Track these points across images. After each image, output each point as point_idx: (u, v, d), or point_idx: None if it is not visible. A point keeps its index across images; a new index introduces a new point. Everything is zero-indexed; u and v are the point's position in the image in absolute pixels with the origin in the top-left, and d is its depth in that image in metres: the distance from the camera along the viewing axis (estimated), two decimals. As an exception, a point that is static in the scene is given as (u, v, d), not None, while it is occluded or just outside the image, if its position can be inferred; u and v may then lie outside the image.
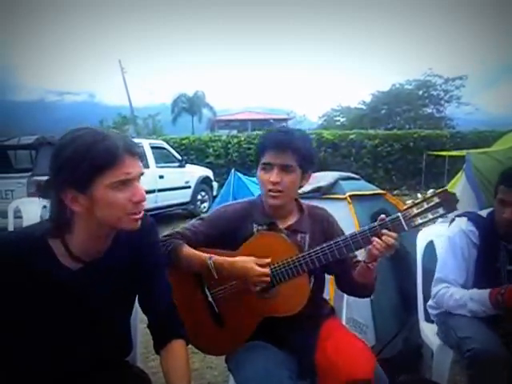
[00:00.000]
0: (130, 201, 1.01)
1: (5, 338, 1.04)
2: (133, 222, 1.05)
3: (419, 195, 1.35)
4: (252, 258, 1.36)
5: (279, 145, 1.41)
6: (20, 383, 1.07)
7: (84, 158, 0.95)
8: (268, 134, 1.50)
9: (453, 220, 1.84)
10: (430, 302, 1.89)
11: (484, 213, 1.81)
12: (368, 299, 2.27)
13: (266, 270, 1.35)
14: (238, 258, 1.37)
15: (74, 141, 0.97)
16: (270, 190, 1.42)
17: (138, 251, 1.17)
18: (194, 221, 1.56)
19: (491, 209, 1.80)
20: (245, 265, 1.35)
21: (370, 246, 1.33)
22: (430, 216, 1.31)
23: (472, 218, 1.78)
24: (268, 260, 1.37)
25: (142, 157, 1.06)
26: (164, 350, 1.19)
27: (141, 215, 1.06)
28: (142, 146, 7.35)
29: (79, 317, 1.08)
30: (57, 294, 1.05)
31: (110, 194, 0.98)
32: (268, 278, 1.35)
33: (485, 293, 1.60)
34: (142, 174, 1.04)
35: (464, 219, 1.79)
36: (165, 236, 1.43)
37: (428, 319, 1.95)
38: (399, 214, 1.32)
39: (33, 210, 4.71)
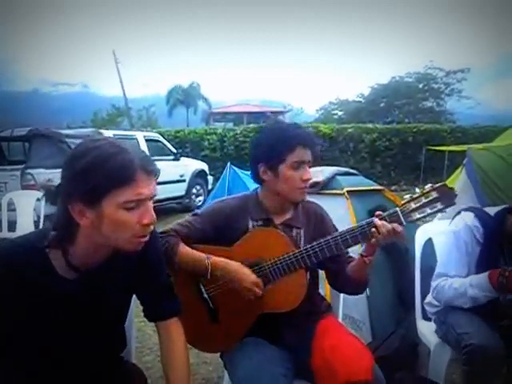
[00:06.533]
0: (139, 223, 0.97)
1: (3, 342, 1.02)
2: (137, 245, 1.01)
3: (417, 190, 1.33)
4: (247, 270, 1.36)
5: (310, 142, 1.42)
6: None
7: (98, 172, 0.90)
8: (293, 131, 1.41)
9: (458, 213, 1.80)
10: (427, 300, 1.87)
11: (491, 211, 1.75)
12: (364, 296, 2.26)
13: (259, 280, 1.35)
14: (233, 263, 1.37)
15: (89, 152, 0.92)
16: (300, 188, 1.42)
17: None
18: (188, 217, 1.53)
19: (500, 208, 1.75)
20: (239, 271, 1.35)
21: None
22: (429, 211, 1.30)
23: (479, 214, 1.73)
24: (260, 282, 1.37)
25: (158, 175, 1.00)
26: (161, 328, 1.20)
27: (146, 238, 1.02)
28: (136, 139, 7.27)
29: (76, 321, 1.06)
30: (53, 302, 1.02)
31: (119, 214, 0.94)
32: (259, 290, 1.35)
33: (484, 276, 1.57)
34: (155, 195, 0.99)
35: (470, 214, 1.74)
36: (160, 233, 1.40)
37: (425, 317, 1.93)
38: (397, 208, 1.32)
39: (26, 203, 4.70)
